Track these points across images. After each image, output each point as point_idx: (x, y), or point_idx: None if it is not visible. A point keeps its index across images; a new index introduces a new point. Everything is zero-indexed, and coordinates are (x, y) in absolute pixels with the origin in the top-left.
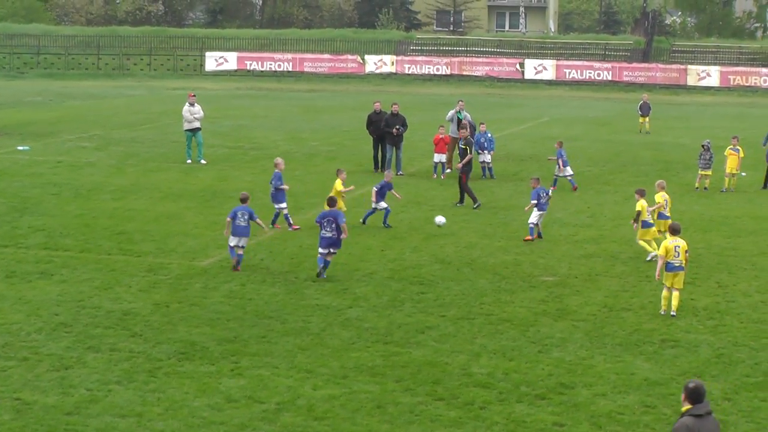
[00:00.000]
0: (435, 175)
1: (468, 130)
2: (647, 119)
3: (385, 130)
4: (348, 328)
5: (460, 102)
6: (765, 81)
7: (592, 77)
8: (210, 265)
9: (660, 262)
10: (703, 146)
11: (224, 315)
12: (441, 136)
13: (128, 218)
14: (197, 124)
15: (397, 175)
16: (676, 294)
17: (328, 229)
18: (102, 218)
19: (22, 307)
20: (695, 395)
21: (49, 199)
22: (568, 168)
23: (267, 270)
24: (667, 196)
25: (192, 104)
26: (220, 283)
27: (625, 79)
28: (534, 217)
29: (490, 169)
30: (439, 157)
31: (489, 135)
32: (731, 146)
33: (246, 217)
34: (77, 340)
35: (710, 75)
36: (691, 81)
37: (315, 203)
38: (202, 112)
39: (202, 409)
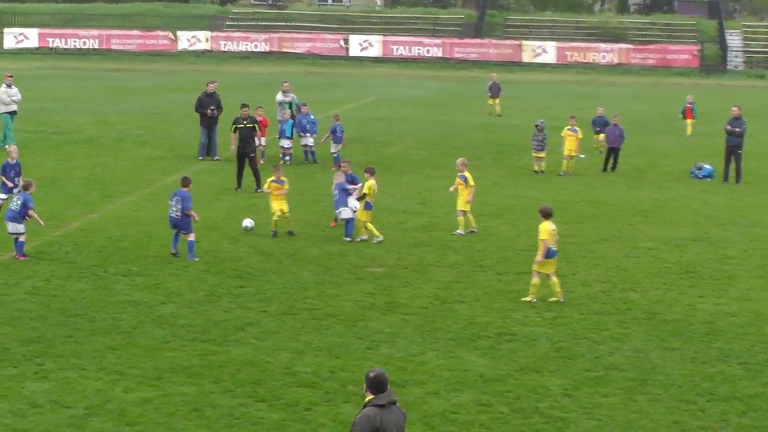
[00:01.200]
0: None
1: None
2: (497, 101)
3: (200, 112)
4: (161, 326)
5: (284, 83)
6: (604, 57)
7: (422, 54)
8: (10, 259)
9: (543, 248)
10: (536, 126)
11: (27, 313)
12: (259, 118)
13: None
14: (14, 107)
15: (213, 160)
16: (555, 280)
17: (174, 209)
18: None
19: None
20: (376, 384)
21: None
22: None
23: (73, 264)
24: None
25: (9, 85)
26: (22, 278)
27: (457, 55)
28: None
29: (312, 153)
30: (263, 140)
31: (312, 117)
32: (569, 126)
33: (19, 202)
34: None
35: (546, 51)
36: (527, 58)
37: (123, 192)
38: (19, 95)
39: (4, 415)
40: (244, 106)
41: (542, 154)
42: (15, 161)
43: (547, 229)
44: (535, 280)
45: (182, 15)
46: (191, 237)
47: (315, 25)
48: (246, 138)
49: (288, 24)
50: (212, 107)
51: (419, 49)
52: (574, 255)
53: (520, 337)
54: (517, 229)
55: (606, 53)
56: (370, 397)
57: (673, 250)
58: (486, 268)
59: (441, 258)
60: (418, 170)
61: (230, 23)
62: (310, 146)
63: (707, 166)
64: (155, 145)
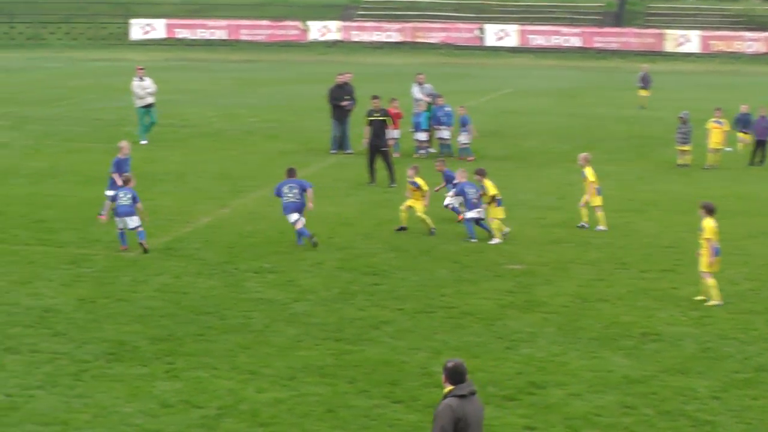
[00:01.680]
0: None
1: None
2: (648, 92)
3: (333, 104)
4: (294, 325)
5: (419, 75)
6: (749, 47)
7: (560, 44)
8: (138, 255)
9: (710, 247)
10: (680, 118)
11: (156, 311)
12: (395, 111)
13: (47, 205)
14: (150, 100)
15: (346, 153)
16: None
17: (290, 195)
18: (17, 205)
19: None
20: (455, 375)
21: None
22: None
23: (203, 261)
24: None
25: (141, 78)
26: (151, 275)
27: (596, 45)
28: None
29: (448, 145)
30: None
31: (447, 109)
32: (714, 119)
33: (129, 196)
34: None
35: (690, 40)
36: (669, 47)
37: (253, 186)
38: (154, 86)
39: (135, 415)
40: (375, 97)
41: (687, 147)
42: (126, 156)
43: (711, 226)
44: (711, 281)
45: (312, 4)
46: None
47: (449, 14)
48: (377, 131)
49: (421, 13)
50: (346, 97)
51: (557, 39)
52: (722, 251)
53: (665, 337)
54: (660, 225)
55: (752, 42)
56: (449, 388)
57: None
58: (629, 265)
59: (581, 255)
60: (557, 164)
61: (362, 12)
62: (446, 139)
63: None
64: (285, 139)
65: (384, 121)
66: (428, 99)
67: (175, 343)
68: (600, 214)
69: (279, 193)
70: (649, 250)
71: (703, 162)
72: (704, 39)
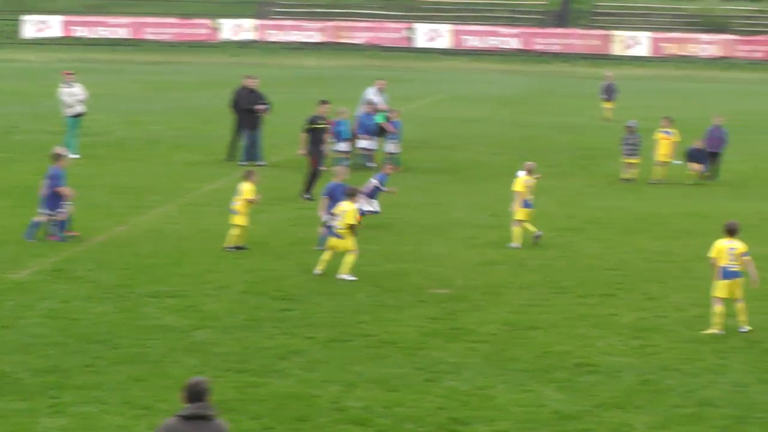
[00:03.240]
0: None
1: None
2: (612, 104)
3: (244, 109)
4: (194, 354)
5: (378, 81)
6: (704, 50)
7: (497, 45)
8: (25, 278)
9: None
10: (627, 128)
11: (42, 339)
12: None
13: None
14: (80, 108)
15: (256, 165)
16: (741, 306)
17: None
18: None
19: None
20: (191, 393)
21: None
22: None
23: (95, 283)
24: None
25: (70, 84)
26: (37, 300)
27: (537, 47)
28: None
29: (370, 156)
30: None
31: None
32: (662, 129)
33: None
34: None
35: (639, 42)
36: (617, 50)
37: (155, 201)
38: (85, 93)
39: None
40: (324, 102)
41: (634, 160)
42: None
43: (718, 246)
44: (717, 308)
45: (225, 1)
46: None
47: (376, 12)
48: (320, 139)
49: (345, 11)
50: (260, 102)
51: (494, 40)
52: (667, 275)
53: (602, 368)
54: (602, 245)
55: (707, 45)
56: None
57: None
58: (566, 289)
59: (515, 278)
60: (492, 178)
61: (279, 10)
62: (368, 149)
63: None
64: (193, 149)
65: (325, 129)
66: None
67: (62, 375)
68: (516, 228)
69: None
70: (589, 273)
71: (650, 176)
72: (655, 41)
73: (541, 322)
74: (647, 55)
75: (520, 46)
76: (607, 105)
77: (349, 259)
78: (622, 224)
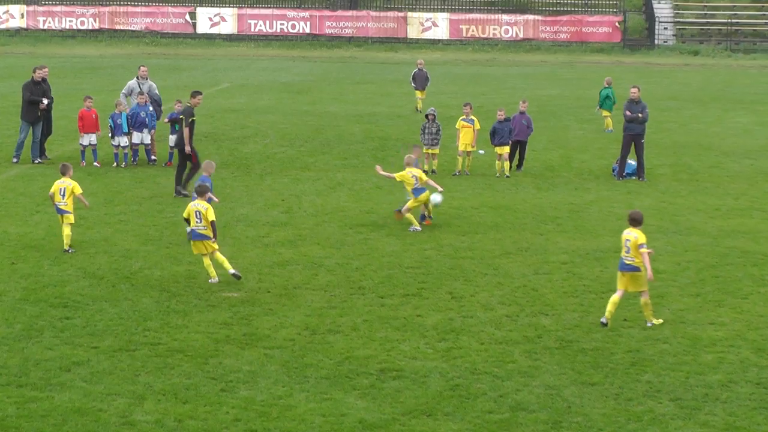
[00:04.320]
0: (83, 162)
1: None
2: (423, 94)
3: (28, 101)
4: None
5: (141, 68)
6: (507, 31)
7: (286, 30)
8: None
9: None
10: (427, 117)
11: None
12: (88, 111)
13: None
14: None
15: (38, 162)
16: (644, 300)
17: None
18: None
19: None
20: None
21: None
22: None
23: None
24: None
25: None
26: None
27: (328, 31)
28: None
29: (147, 152)
30: (88, 138)
31: (151, 109)
32: (464, 116)
33: None
34: None
35: (437, 24)
36: (413, 33)
37: None
38: None
39: None
40: (196, 93)
41: (435, 150)
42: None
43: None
44: (613, 296)
45: None
46: None
47: None
48: (193, 133)
49: None
50: (44, 98)
51: (282, 24)
52: (473, 272)
53: (407, 373)
54: (403, 243)
55: (509, 27)
56: None
57: (592, 264)
58: (366, 290)
59: (311, 279)
60: (283, 172)
61: None
62: (147, 144)
63: (632, 162)
64: None
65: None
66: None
67: None
68: (409, 216)
69: None
70: (389, 272)
71: (453, 167)
72: (454, 23)
73: (340, 326)
74: (445, 37)
75: (309, 31)
76: (419, 94)
77: (220, 256)
78: (430, 219)
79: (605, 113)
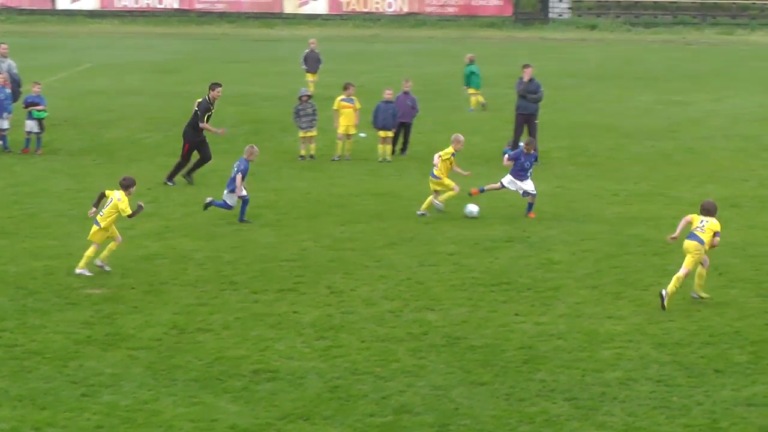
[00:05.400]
0: None
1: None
2: (315, 76)
3: None
4: None
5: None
6: (390, 6)
7: (153, 5)
8: None
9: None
10: (300, 98)
11: None
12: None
13: None
14: None
15: None
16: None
17: None
18: None
19: None
20: None
21: None
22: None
23: None
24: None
25: None
26: None
27: (198, 7)
28: None
29: (3, 138)
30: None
31: (9, 91)
32: (343, 96)
33: None
34: None
35: None
36: (290, 8)
37: None
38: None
39: None
40: (215, 86)
41: (312, 133)
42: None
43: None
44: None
45: None
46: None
47: None
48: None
49: None
50: None
51: (149, 1)
52: (354, 265)
53: (283, 374)
54: (278, 234)
55: (393, 1)
56: None
57: (482, 254)
58: (238, 285)
59: (179, 274)
60: (150, 159)
61: None
62: (3, 130)
63: None
64: None
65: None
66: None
67: None
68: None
69: None
70: (263, 266)
71: (332, 152)
72: None
73: (211, 324)
74: (325, 12)
75: (179, 6)
76: (311, 77)
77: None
78: (301, 208)
79: (471, 91)
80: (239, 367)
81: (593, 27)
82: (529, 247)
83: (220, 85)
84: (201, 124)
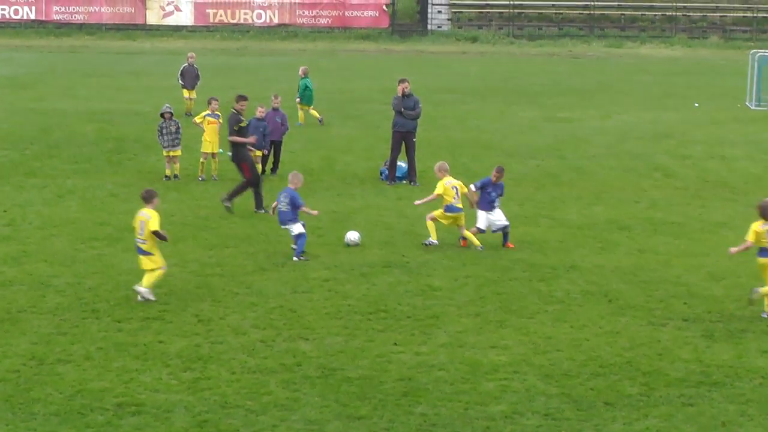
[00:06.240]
0: None
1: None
2: (193, 93)
3: None
4: None
5: None
6: (259, 16)
7: (7, 15)
8: None
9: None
10: (162, 115)
11: None
12: None
13: None
14: None
15: None
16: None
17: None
18: None
19: None
20: None
21: None
22: None
23: None
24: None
25: None
26: None
27: (56, 17)
28: None
29: None
30: None
31: None
32: (207, 112)
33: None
34: None
35: (180, 9)
36: (153, 19)
37: None
38: None
39: None
40: (241, 98)
41: (176, 152)
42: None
43: (756, 228)
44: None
45: None
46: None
47: None
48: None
49: None
50: None
51: (3, 9)
52: (222, 291)
53: (148, 407)
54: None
55: (262, 11)
56: None
57: (358, 280)
58: (100, 313)
59: (38, 301)
60: (4, 179)
61: None
62: None
63: (403, 164)
64: None
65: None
66: None
67: None
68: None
69: None
70: (127, 292)
71: (198, 172)
72: (199, 7)
73: (71, 354)
74: (190, 23)
75: (35, 16)
76: (188, 93)
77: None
78: (166, 231)
79: (303, 107)
80: (102, 400)
81: (474, 39)
82: (407, 273)
83: (246, 99)
84: (230, 138)
